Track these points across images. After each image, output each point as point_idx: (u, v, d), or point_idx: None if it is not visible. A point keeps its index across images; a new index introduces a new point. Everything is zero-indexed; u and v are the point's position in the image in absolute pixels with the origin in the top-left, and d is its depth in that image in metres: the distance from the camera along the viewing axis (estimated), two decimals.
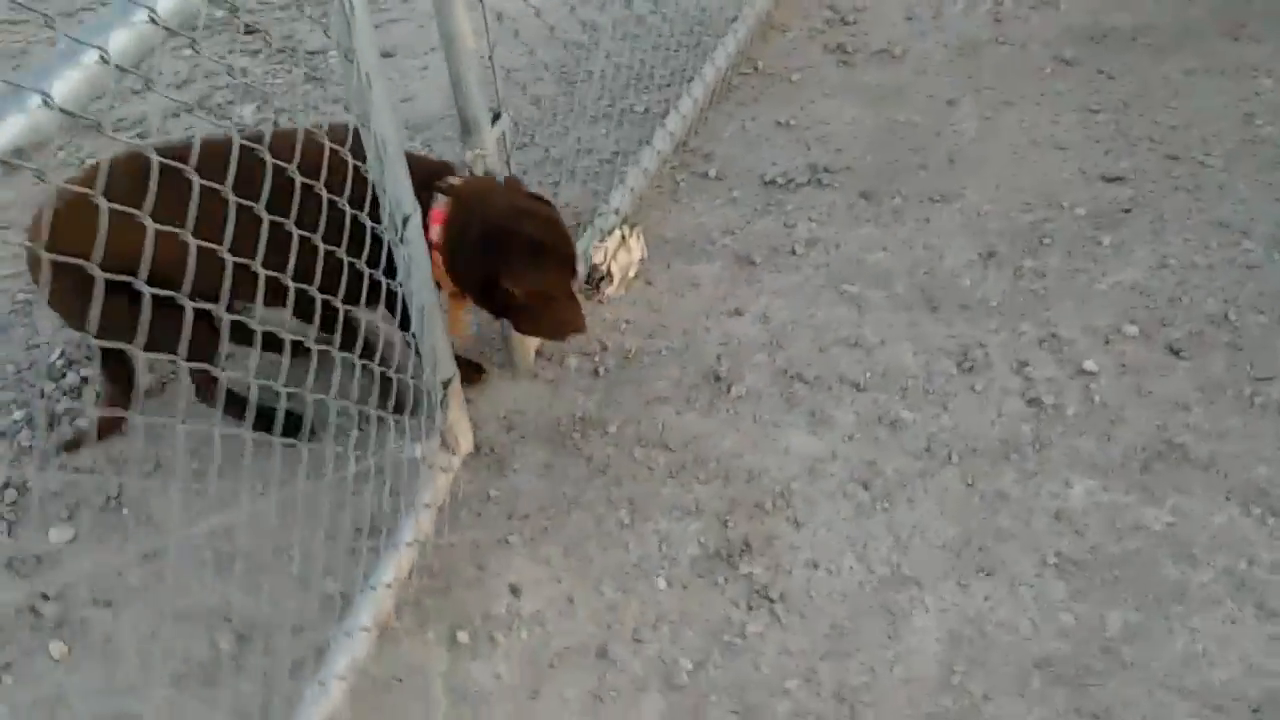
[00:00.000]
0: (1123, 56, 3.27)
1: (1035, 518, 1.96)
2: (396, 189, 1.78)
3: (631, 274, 2.67)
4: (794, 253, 2.69)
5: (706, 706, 1.76)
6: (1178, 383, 2.18)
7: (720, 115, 3.25)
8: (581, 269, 2.63)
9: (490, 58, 2.05)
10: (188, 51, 4.13)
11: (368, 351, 2.08)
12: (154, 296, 1.28)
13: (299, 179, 1.60)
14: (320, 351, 1.81)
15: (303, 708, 1.72)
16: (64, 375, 2.54)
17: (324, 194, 1.68)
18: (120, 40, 1.16)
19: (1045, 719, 1.68)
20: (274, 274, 1.59)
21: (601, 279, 2.62)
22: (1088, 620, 1.79)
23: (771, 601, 1.90)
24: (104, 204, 1.15)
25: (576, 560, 2.02)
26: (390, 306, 2.00)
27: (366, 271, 1.84)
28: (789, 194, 2.90)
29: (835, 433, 2.20)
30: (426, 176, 1.95)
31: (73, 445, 2.34)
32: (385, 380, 2.08)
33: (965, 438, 2.13)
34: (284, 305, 1.68)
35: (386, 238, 1.84)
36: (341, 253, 1.77)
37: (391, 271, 1.91)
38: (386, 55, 3.82)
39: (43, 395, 2.49)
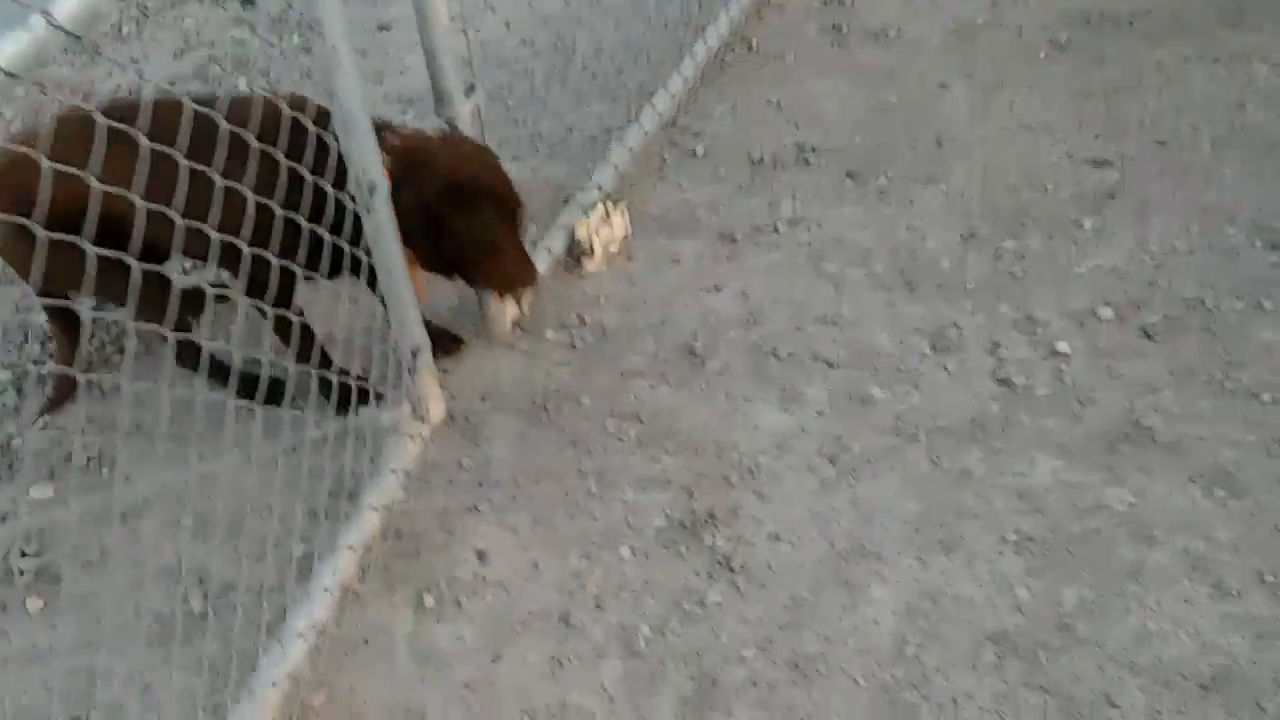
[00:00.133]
0: (1118, 41, 3.26)
1: (998, 496, 1.97)
2: (363, 158, 1.80)
3: (614, 249, 2.69)
4: (776, 231, 2.70)
5: (663, 672, 1.79)
6: (1149, 366, 2.18)
7: (711, 94, 3.25)
8: (563, 243, 2.65)
9: (465, 31, 2.05)
10: (187, 21, 4.17)
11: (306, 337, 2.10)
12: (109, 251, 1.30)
13: (254, 143, 1.62)
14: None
15: (262, 665, 1.75)
16: (52, 339, 2.57)
17: (280, 159, 1.69)
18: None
19: (995, 691, 1.69)
20: (228, 238, 1.61)
21: (583, 254, 2.64)
22: (1043, 596, 1.80)
23: (732, 572, 1.92)
24: (45, 162, 1.17)
25: (544, 528, 2.04)
26: (358, 273, 2.02)
27: (326, 238, 1.86)
28: (775, 173, 2.91)
29: (806, 409, 2.21)
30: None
31: (53, 405, 2.38)
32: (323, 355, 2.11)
33: (934, 416, 2.14)
34: (236, 267, 1.70)
35: (350, 206, 1.86)
36: (292, 216, 1.78)
37: (356, 239, 1.94)
38: (383, 28, 3.84)
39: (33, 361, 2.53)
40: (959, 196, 2.73)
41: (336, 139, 1.80)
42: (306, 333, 2.16)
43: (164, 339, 1.73)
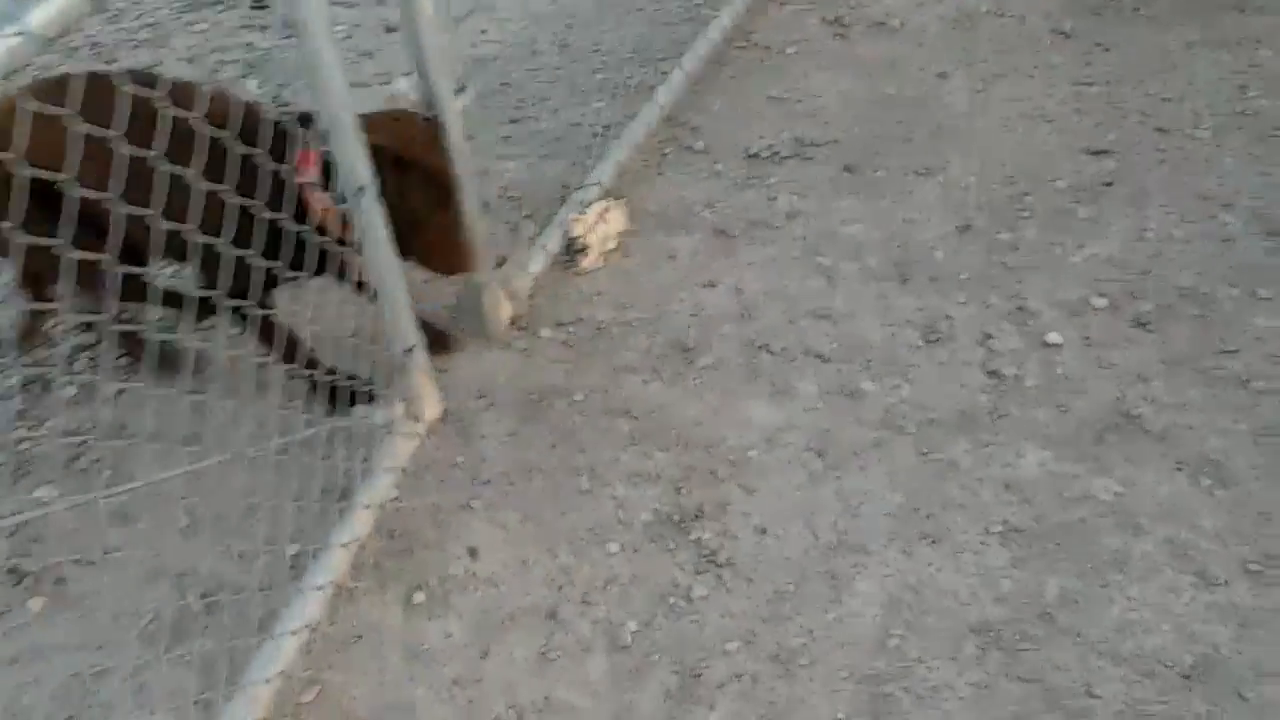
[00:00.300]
0: (1122, 28, 3.23)
1: (984, 487, 1.97)
2: (350, 161, 1.83)
3: (610, 246, 2.71)
4: (772, 225, 2.71)
5: (648, 666, 1.81)
6: (1141, 355, 2.17)
7: (711, 89, 3.26)
8: (559, 241, 2.68)
9: (453, 30, 2.08)
10: (201, 26, 4.24)
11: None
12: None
13: (203, 131, 1.62)
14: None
15: (255, 662, 1.79)
16: (57, 344, 2.64)
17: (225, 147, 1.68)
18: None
19: (977, 682, 1.70)
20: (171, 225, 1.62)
21: (579, 251, 2.66)
22: (1027, 587, 1.80)
23: (718, 566, 1.94)
24: None
25: (534, 525, 2.07)
26: (329, 271, 2.04)
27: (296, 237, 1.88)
28: (773, 167, 2.91)
29: (796, 403, 2.22)
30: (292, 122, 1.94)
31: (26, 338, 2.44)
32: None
33: (923, 408, 2.15)
34: (182, 259, 1.73)
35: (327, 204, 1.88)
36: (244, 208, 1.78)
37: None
38: (391, 30, 3.87)
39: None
40: (956, 188, 2.72)
41: (283, 137, 1.81)
42: (284, 333, 2.17)
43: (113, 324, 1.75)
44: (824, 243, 2.62)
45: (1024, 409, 2.11)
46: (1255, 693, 1.61)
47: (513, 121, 3.22)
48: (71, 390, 2.48)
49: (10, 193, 1.40)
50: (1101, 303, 2.30)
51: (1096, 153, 2.75)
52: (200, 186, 1.66)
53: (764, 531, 1.98)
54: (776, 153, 2.95)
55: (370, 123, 1.90)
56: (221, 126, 1.69)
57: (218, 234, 1.72)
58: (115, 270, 1.57)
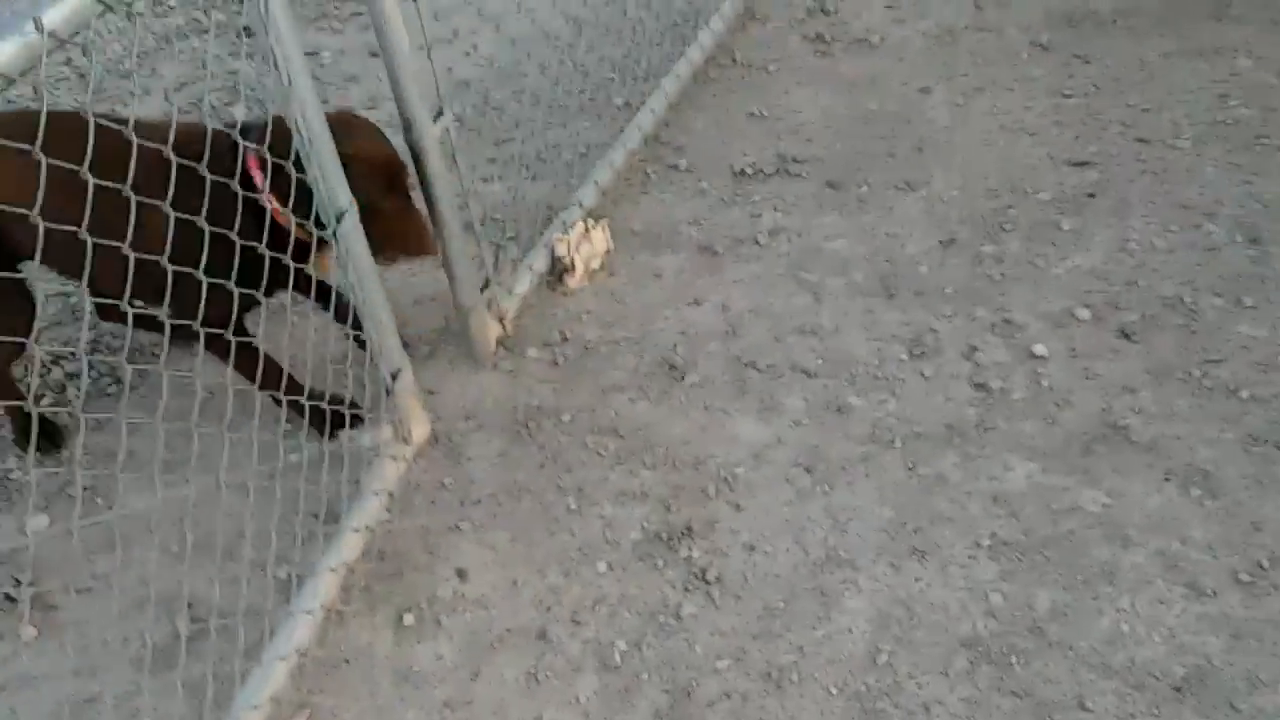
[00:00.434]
0: (1101, 40, 3.25)
1: (973, 500, 1.97)
2: (329, 186, 1.83)
3: (595, 265, 2.71)
4: (757, 243, 2.71)
5: (638, 686, 1.80)
6: (1127, 366, 2.17)
7: (694, 107, 3.27)
8: (545, 262, 2.68)
9: (429, 55, 2.09)
10: (185, 55, 4.24)
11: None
12: None
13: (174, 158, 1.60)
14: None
15: (245, 687, 1.78)
16: (49, 370, 2.63)
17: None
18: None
19: (968, 697, 1.69)
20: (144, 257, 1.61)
21: (565, 271, 2.67)
22: (1016, 600, 1.80)
23: (708, 584, 1.93)
24: None
25: (523, 545, 2.06)
26: (317, 297, 2.04)
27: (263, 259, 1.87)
28: (757, 184, 2.92)
29: (783, 419, 2.22)
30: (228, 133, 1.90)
31: None
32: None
33: (910, 422, 2.15)
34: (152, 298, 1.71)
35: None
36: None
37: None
38: (375, 55, 3.89)
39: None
40: (939, 202, 2.73)
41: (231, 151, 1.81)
42: (258, 358, 2.14)
43: None
44: (809, 259, 2.63)
45: (1011, 422, 2.11)
46: (1247, 704, 1.60)
47: (496, 144, 3.23)
48: (63, 419, 2.47)
49: None
50: (1086, 314, 2.31)
51: (1078, 164, 2.76)
52: (159, 215, 1.64)
53: (753, 548, 1.97)
54: (760, 170, 2.96)
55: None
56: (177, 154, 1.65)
57: (179, 261, 1.70)
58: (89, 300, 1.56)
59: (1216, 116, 2.84)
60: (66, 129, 1.39)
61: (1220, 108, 2.87)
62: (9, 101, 3.20)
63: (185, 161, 1.63)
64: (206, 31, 4.32)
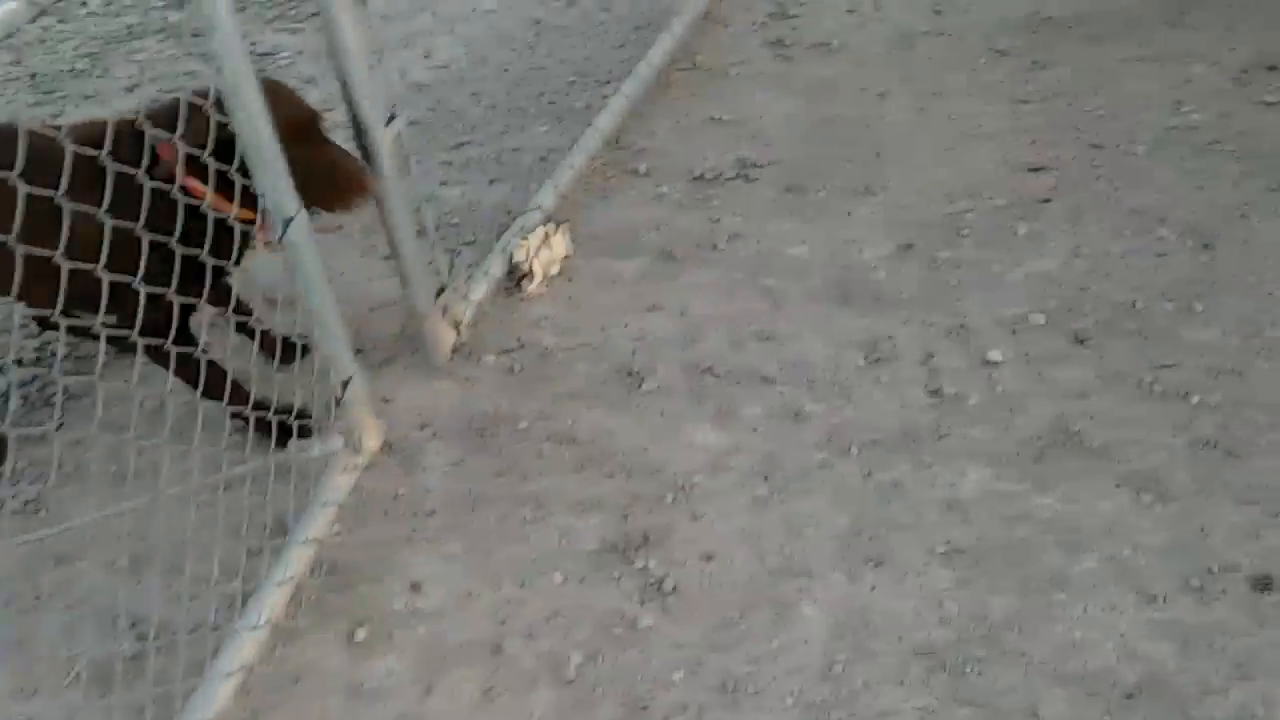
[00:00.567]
0: (1058, 46, 3.28)
1: (927, 507, 1.97)
2: (276, 193, 1.80)
3: (554, 271, 2.69)
4: (716, 248, 2.70)
5: (593, 700, 1.78)
6: (1080, 371, 2.18)
7: (655, 111, 3.26)
8: (503, 267, 2.65)
9: (382, 59, 2.05)
10: (139, 56, 4.17)
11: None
12: None
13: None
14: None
15: (190, 706, 1.74)
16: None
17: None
18: None
19: (922, 706, 1.69)
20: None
21: (523, 276, 2.64)
22: (971, 608, 1.80)
23: (664, 594, 1.91)
24: None
25: (478, 556, 2.04)
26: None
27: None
28: (716, 189, 2.91)
29: (741, 426, 2.21)
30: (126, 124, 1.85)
31: None
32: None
33: (866, 429, 2.14)
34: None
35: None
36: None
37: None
38: None
39: None
40: (897, 207, 2.73)
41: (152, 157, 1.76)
42: (200, 366, 2.09)
43: None
44: (768, 264, 2.62)
45: (966, 428, 2.11)
46: (1199, 710, 1.61)
47: (454, 147, 3.20)
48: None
49: None
50: (1040, 319, 2.32)
51: (1034, 170, 2.78)
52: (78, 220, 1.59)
53: (710, 558, 1.96)
54: (720, 175, 2.95)
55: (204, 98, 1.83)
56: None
57: (105, 267, 1.64)
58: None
59: (1171, 123, 2.87)
60: None
61: (1175, 114, 2.90)
62: None
63: (97, 157, 1.57)
64: (160, 30, 4.26)
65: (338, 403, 2.10)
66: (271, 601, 1.90)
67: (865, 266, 2.55)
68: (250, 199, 1.89)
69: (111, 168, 1.59)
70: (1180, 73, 3.07)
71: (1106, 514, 1.90)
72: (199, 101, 1.80)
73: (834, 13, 3.64)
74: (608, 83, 3.34)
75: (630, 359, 2.41)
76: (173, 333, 1.88)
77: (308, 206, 1.91)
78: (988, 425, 2.10)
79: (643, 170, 3.02)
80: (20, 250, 1.45)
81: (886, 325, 2.38)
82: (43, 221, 1.55)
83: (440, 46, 3.69)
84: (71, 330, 2.21)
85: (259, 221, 1.98)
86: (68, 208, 1.52)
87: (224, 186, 1.88)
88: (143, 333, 1.75)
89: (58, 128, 1.74)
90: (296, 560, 1.98)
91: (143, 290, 1.72)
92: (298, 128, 1.92)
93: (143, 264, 1.72)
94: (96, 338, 1.80)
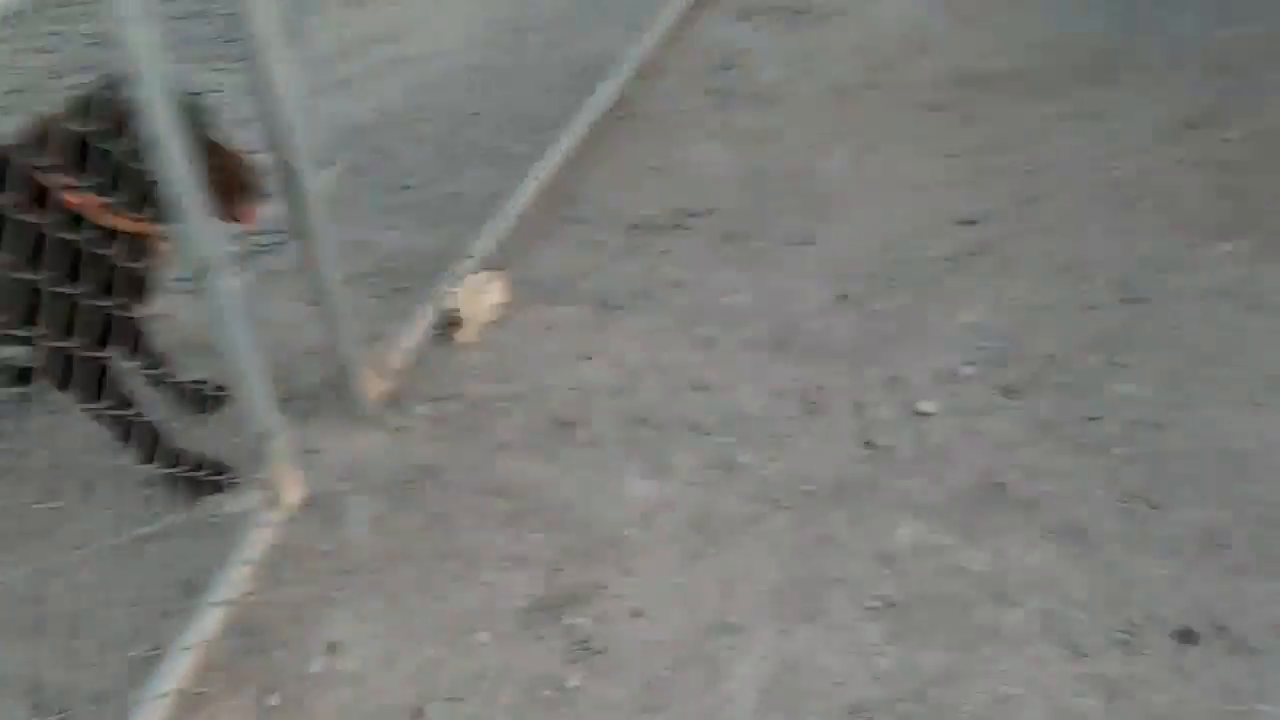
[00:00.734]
0: (988, 101, 3.36)
1: (860, 561, 1.95)
2: (196, 239, 1.75)
3: (489, 319, 2.65)
4: (653, 296, 2.69)
5: None
6: (1008, 423, 2.20)
7: (593, 158, 3.26)
8: (436, 315, 2.61)
9: (314, 104, 2.02)
10: (75, 90, 4.08)
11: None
12: None
13: None
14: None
15: None
16: None
17: None
18: None
19: None
20: None
21: (457, 324, 2.60)
22: (902, 664, 1.78)
23: (593, 653, 1.86)
24: None
25: (401, 616, 1.97)
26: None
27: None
28: (654, 237, 2.91)
29: (674, 478, 2.18)
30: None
31: None
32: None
33: (800, 481, 2.13)
34: None
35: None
36: None
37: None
38: None
39: None
40: (832, 257, 2.75)
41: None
42: (123, 418, 2.01)
43: None
44: (704, 313, 2.62)
45: (898, 479, 2.11)
46: None
47: (390, 191, 3.17)
48: None
49: None
50: (970, 371, 2.33)
51: (966, 222, 2.82)
52: None
53: (640, 615, 1.92)
54: (658, 223, 2.96)
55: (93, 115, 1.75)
56: None
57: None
58: None
59: (1096, 178, 2.94)
60: None
61: (1100, 169, 2.97)
62: None
63: None
64: (92, 66, 4.17)
65: (257, 456, 2.03)
66: (179, 667, 1.81)
67: (801, 316, 2.56)
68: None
69: None
70: (1105, 129, 3.16)
71: (1035, 567, 1.90)
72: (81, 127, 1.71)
73: (771, 65, 3.69)
74: (547, 129, 3.34)
75: (564, 409, 2.38)
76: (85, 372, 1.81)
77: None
78: (919, 477, 2.10)
79: (580, 217, 3.02)
80: None
81: (821, 375, 2.38)
82: None
83: (378, 90, 3.66)
84: None
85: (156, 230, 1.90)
86: None
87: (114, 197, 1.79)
88: (56, 372, 1.67)
89: None
90: (208, 622, 1.90)
91: (49, 319, 1.65)
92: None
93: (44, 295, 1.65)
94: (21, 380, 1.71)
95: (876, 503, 2.07)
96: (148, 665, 1.86)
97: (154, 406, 2.13)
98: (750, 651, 1.84)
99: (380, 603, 1.99)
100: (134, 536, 1.99)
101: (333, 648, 1.92)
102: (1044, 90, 3.37)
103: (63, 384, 1.88)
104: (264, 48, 1.86)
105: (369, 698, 1.84)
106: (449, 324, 2.61)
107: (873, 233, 2.82)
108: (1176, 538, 1.90)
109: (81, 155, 1.70)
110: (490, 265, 2.74)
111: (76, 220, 1.77)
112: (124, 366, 2.05)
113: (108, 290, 1.80)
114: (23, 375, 2.38)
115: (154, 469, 2.06)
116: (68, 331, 1.74)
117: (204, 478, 2.12)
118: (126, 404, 2.01)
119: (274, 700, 1.83)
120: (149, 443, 2.06)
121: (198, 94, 1.89)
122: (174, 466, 2.10)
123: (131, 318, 2.02)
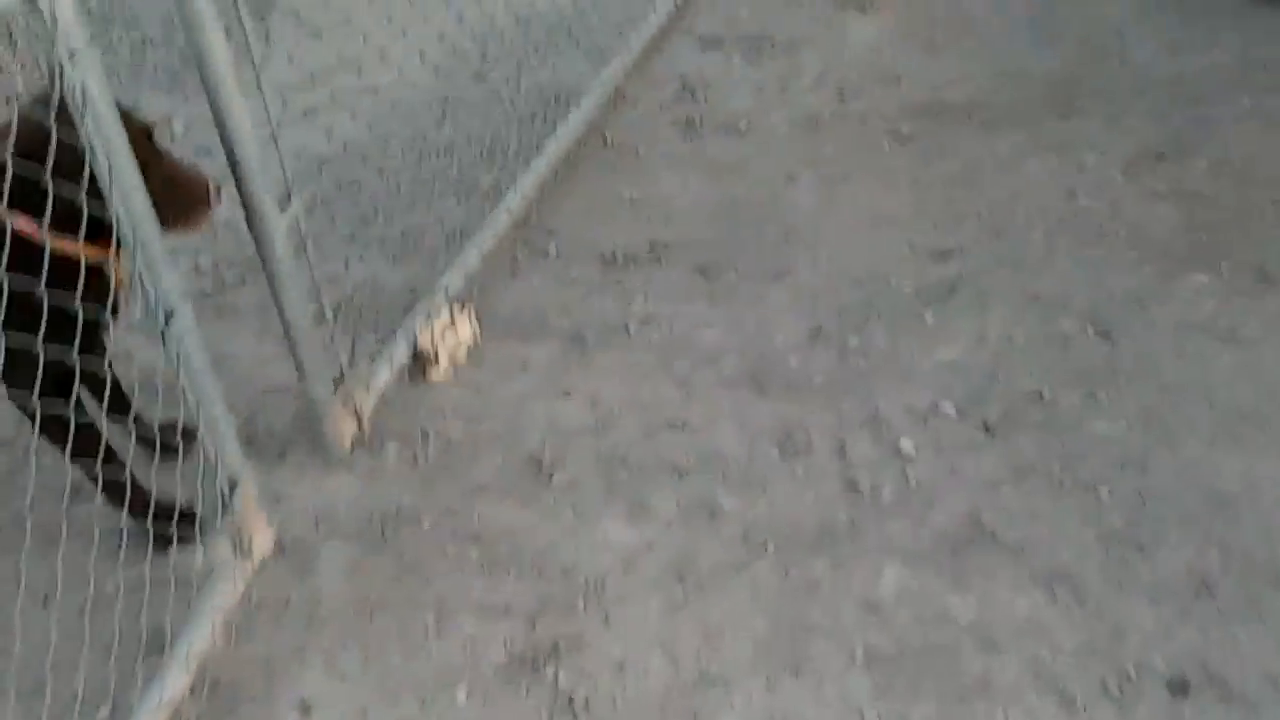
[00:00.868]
0: (957, 132, 3.37)
1: (845, 609, 1.92)
2: (157, 284, 1.68)
3: (461, 356, 2.60)
4: (628, 331, 2.65)
5: None
6: (990, 463, 2.18)
7: (564, 190, 3.22)
8: (406, 352, 2.55)
9: (275, 141, 1.96)
10: None
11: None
12: None
13: None
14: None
15: None
16: None
17: None
18: None
19: None
20: None
21: (428, 362, 2.54)
22: (891, 718, 1.75)
23: (575, 709, 1.81)
24: None
25: (376, 671, 1.90)
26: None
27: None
28: (627, 271, 2.87)
29: (654, 522, 2.14)
30: None
31: None
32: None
33: (782, 525, 2.10)
34: None
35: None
36: None
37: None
38: None
39: None
40: (806, 291, 2.73)
41: None
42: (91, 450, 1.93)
43: None
44: (679, 349, 2.58)
45: (881, 522, 2.08)
46: None
47: (356, 225, 3.10)
48: None
49: None
50: (950, 409, 2.32)
51: (939, 255, 2.82)
52: None
53: (623, 668, 1.87)
54: (631, 256, 2.92)
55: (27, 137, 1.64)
56: None
57: None
58: None
59: (1065, 210, 2.96)
60: None
61: (1069, 201, 2.99)
62: None
63: None
64: None
65: (225, 505, 1.95)
66: None
67: (777, 352, 2.53)
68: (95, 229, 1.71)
69: None
70: (1072, 161, 3.18)
71: (1023, 614, 1.88)
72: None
73: (741, 94, 3.68)
74: (515, 160, 3.29)
75: (540, 449, 2.33)
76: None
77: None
78: (903, 519, 2.08)
79: (552, 251, 2.97)
80: None
81: (800, 414, 2.35)
82: None
83: (343, 121, 3.60)
84: None
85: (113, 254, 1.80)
86: None
87: (65, 224, 1.68)
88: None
89: None
90: (174, 679, 1.82)
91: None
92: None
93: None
94: None
95: (860, 547, 2.04)
96: None
97: (121, 447, 2.04)
98: (736, 706, 1.80)
99: (354, 656, 1.93)
100: (98, 590, 1.90)
101: (305, 706, 1.85)
102: (1011, 120, 3.39)
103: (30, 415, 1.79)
104: (221, 86, 1.79)
105: None
106: (421, 362, 2.55)
107: (845, 265, 2.81)
108: (1164, 582, 1.90)
109: (22, 180, 1.60)
110: (461, 300, 2.68)
111: (26, 247, 1.67)
112: (92, 404, 1.97)
113: (64, 317, 1.70)
114: None
115: (119, 513, 1.97)
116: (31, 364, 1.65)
117: (170, 526, 2.03)
118: (94, 438, 1.93)
119: None
120: (117, 484, 1.98)
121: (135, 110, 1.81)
122: (142, 511, 2.02)
123: (94, 348, 1.93)
